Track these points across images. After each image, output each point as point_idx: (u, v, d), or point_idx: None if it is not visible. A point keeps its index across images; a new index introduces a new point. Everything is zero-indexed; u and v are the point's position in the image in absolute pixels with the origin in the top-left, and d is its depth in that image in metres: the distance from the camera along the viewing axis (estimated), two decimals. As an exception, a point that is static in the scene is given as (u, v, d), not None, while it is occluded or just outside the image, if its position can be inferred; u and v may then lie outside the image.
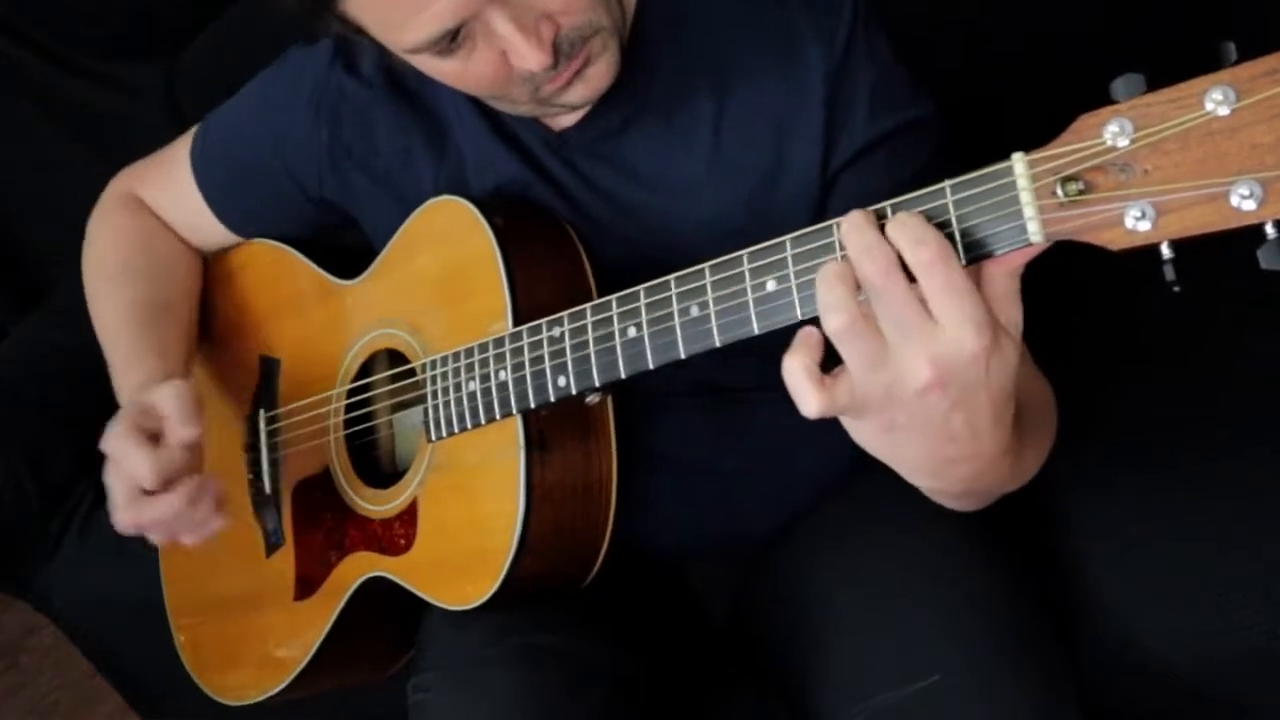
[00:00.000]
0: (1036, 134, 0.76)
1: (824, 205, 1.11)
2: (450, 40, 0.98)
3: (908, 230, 0.76)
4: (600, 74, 1.05)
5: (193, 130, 1.40)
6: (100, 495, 1.36)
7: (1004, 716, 1.05)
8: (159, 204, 1.43)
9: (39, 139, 1.87)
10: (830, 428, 1.17)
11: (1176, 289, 0.71)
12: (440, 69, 1.04)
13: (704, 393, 1.19)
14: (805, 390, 0.79)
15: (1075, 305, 1.33)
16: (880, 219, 0.79)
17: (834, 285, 0.78)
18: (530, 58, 0.98)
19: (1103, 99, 0.72)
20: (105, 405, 1.23)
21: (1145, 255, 0.72)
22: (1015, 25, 1.46)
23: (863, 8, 1.10)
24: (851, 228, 0.78)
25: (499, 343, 1.08)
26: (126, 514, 1.16)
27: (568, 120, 1.15)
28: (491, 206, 1.14)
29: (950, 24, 1.46)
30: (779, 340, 0.88)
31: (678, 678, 1.30)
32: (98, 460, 1.16)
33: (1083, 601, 1.23)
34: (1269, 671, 1.17)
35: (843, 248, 0.81)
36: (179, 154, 1.39)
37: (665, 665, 1.28)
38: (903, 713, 1.07)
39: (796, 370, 0.79)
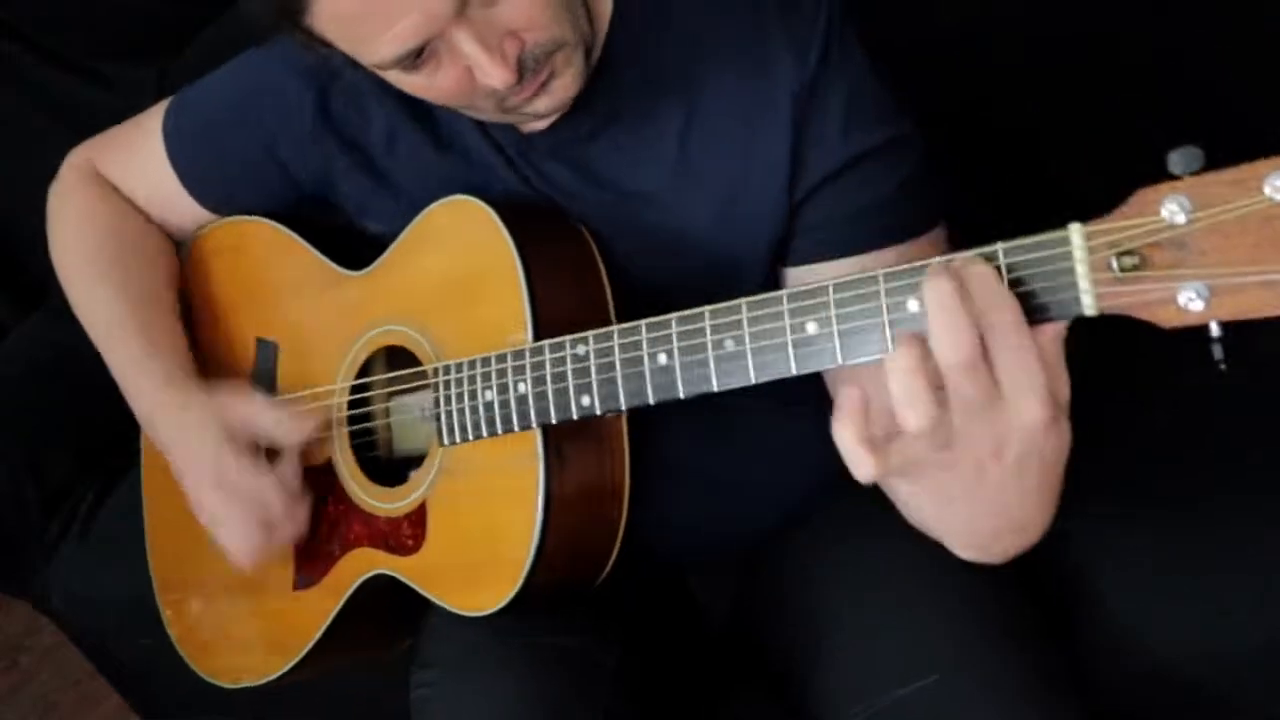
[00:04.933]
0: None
1: (797, 219, 1.10)
2: (415, 57, 0.99)
3: (988, 290, 0.74)
4: (564, 86, 1.06)
5: (161, 105, 1.36)
6: (100, 495, 1.35)
7: (1004, 717, 1.07)
8: (126, 183, 1.39)
9: (40, 140, 1.82)
10: (822, 435, 1.19)
11: (1223, 367, 0.71)
12: (406, 83, 1.05)
13: (694, 399, 1.18)
14: (861, 459, 0.77)
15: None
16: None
17: (913, 379, 0.75)
18: (494, 75, 0.99)
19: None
20: (106, 406, 1.22)
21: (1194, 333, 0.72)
22: (1009, 30, 1.45)
23: (838, 18, 1.08)
24: (939, 302, 0.74)
25: (519, 355, 1.07)
26: (260, 541, 1.23)
27: (537, 124, 1.14)
28: (510, 210, 1.12)
29: (943, 29, 1.45)
30: None
31: (679, 678, 1.31)
32: (98, 460, 1.16)
33: (1083, 601, 1.25)
34: (1269, 671, 1.20)
35: (892, 296, 0.80)
36: (148, 128, 1.35)
37: (666, 666, 1.29)
38: (903, 713, 1.09)
39: (848, 439, 0.77)
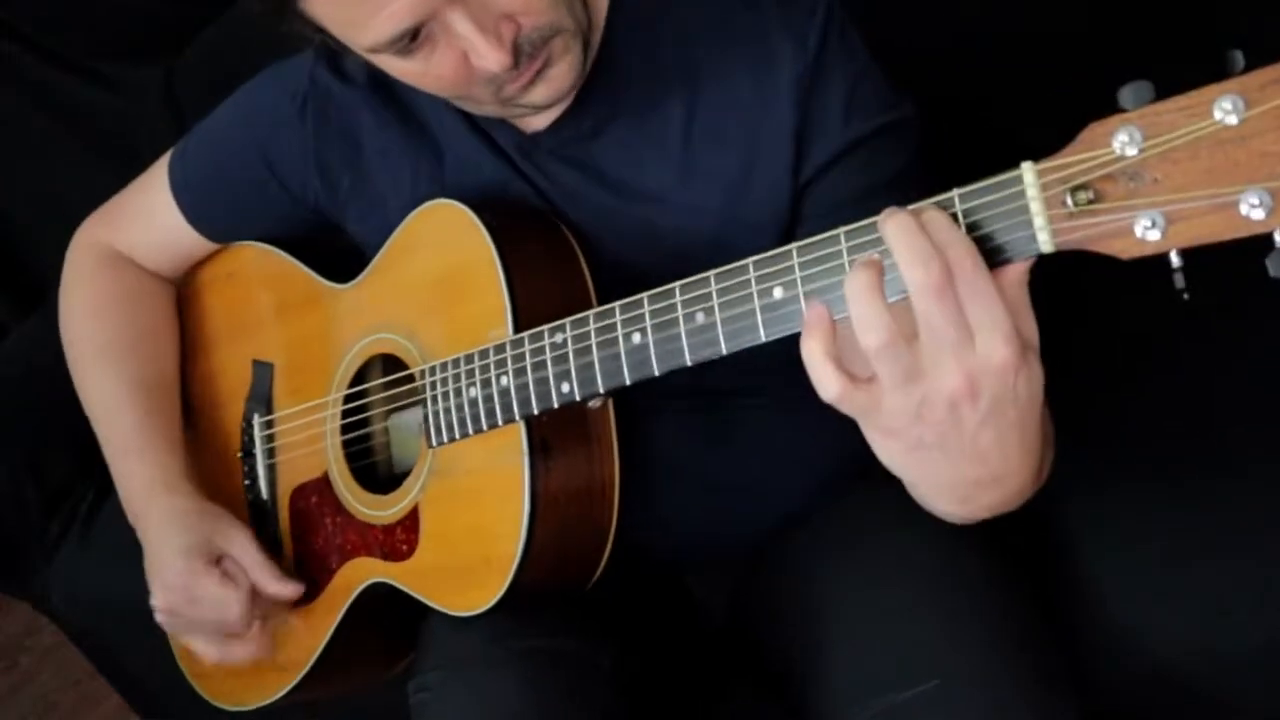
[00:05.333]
0: (1028, 132, 0.76)
1: (798, 209, 1.10)
2: (410, 40, 0.98)
3: (943, 230, 0.75)
4: (562, 75, 1.05)
5: (164, 160, 1.37)
6: (100, 495, 1.37)
7: (1004, 719, 1.05)
8: (135, 242, 1.41)
9: (41, 140, 1.87)
10: (818, 435, 1.19)
11: (1186, 297, 0.71)
12: (401, 69, 1.04)
13: (687, 397, 1.18)
14: (826, 374, 0.78)
15: (1073, 306, 1.33)
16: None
17: (871, 299, 0.76)
18: (490, 58, 0.98)
19: (1097, 96, 0.72)
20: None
21: (1154, 263, 0.72)
22: (1007, 23, 1.47)
23: (836, 9, 1.09)
24: (902, 232, 0.76)
25: (500, 349, 1.07)
26: (216, 655, 1.26)
27: (539, 123, 1.15)
28: (488, 210, 1.13)
29: (941, 21, 1.47)
30: (759, 348, 0.89)
31: (677, 680, 1.30)
32: (97, 460, 1.16)
33: (1083, 603, 1.23)
34: (1269, 671, 1.18)
35: (855, 253, 0.81)
36: (154, 183, 1.37)
37: (665, 667, 1.28)
38: (903, 716, 1.07)
39: (816, 353, 0.78)
